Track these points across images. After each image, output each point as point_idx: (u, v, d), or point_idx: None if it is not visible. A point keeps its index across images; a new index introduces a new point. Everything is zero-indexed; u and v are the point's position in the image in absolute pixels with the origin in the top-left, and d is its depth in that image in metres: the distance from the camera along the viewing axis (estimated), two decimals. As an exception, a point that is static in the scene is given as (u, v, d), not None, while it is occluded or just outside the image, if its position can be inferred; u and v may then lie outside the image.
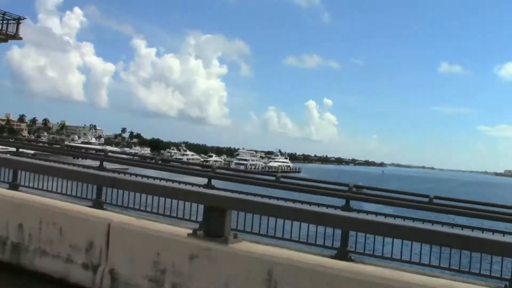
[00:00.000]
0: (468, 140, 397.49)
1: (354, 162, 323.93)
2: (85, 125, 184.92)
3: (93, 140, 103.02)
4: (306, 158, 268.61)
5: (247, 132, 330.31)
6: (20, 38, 27.45)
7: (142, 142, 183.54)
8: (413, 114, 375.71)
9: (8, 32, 26.25)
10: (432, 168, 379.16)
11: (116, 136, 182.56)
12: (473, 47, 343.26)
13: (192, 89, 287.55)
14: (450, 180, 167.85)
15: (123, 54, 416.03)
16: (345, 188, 10.27)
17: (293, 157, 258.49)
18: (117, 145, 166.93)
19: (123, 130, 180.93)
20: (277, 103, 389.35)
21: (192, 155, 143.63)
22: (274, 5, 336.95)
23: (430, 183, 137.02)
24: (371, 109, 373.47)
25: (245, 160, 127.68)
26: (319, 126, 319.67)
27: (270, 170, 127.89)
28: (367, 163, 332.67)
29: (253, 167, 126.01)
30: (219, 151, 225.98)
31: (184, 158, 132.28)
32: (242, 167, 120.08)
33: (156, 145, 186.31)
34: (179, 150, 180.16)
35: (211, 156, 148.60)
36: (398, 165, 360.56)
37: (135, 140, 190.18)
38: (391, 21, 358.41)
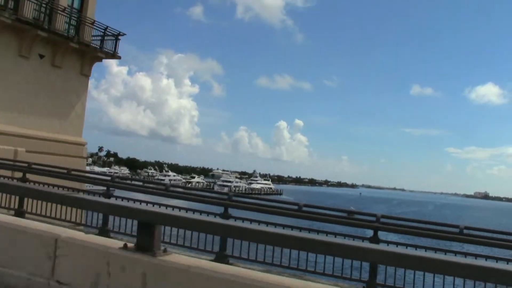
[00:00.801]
0: (437, 161, 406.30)
1: (327, 183, 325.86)
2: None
3: None
4: (280, 179, 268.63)
5: (218, 151, 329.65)
6: (119, 57, 24.63)
7: (119, 161, 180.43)
8: (383, 135, 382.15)
9: (106, 50, 23.86)
10: (403, 190, 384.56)
11: (91, 154, 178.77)
12: (445, 70, 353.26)
13: (163, 108, 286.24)
14: (427, 203, 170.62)
15: (94, 71, 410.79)
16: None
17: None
18: (93, 164, 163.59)
19: (100, 149, 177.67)
20: (248, 123, 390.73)
21: (174, 175, 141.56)
22: (248, 26, 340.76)
23: (411, 206, 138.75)
24: (341, 130, 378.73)
25: (229, 182, 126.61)
26: (290, 147, 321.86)
27: (253, 192, 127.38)
28: (339, 184, 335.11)
29: (236, 189, 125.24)
30: (192, 170, 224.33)
31: (166, 179, 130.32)
32: (226, 189, 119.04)
33: (132, 164, 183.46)
34: (155, 169, 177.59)
35: (194, 177, 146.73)
36: (369, 187, 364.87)
37: (111, 159, 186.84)
38: (364, 43, 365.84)
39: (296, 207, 10.20)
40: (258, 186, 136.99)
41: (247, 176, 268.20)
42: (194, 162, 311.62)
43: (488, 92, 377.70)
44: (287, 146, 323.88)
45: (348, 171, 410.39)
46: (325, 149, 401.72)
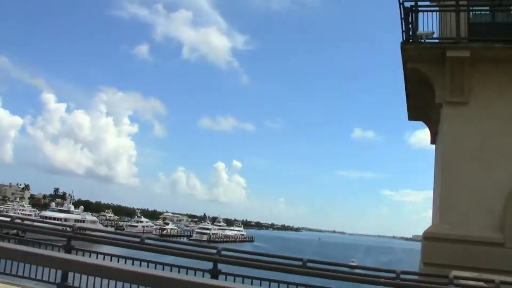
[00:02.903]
0: (373, 204, 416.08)
1: (272, 226, 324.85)
2: (10, 183, 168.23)
3: (72, 208, 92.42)
4: (228, 222, 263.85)
5: (156, 192, 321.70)
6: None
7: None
8: (318, 178, 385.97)
9: None
10: (343, 233, 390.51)
11: (44, 196, 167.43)
12: (387, 114, 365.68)
13: (101, 146, 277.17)
14: (392, 249, 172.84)
15: (31, 108, 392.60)
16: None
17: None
18: (45, 206, 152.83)
19: (56, 190, 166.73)
20: (187, 163, 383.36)
21: (147, 221, 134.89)
22: (195, 67, 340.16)
23: (385, 253, 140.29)
24: (280, 173, 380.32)
25: (208, 229, 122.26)
26: (228, 188, 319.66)
27: (227, 239, 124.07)
28: (284, 227, 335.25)
29: (213, 236, 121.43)
30: (134, 212, 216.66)
31: (139, 226, 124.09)
32: (205, 237, 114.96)
33: (86, 207, 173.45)
34: (107, 212, 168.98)
35: (167, 224, 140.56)
36: (310, 230, 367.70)
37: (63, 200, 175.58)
38: (308, 87, 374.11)
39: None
40: (232, 233, 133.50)
41: (196, 219, 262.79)
42: (131, 202, 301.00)
43: (427, 136, 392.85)
44: (225, 188, 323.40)
45: (285, 213, 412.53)
46: (263, 191, 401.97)
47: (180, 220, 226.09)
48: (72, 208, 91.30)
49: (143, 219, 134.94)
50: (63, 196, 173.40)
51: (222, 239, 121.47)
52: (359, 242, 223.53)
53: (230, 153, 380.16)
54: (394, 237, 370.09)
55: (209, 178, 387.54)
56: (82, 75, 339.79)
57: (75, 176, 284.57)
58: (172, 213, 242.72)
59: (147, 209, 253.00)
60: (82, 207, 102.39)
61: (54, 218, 78.97)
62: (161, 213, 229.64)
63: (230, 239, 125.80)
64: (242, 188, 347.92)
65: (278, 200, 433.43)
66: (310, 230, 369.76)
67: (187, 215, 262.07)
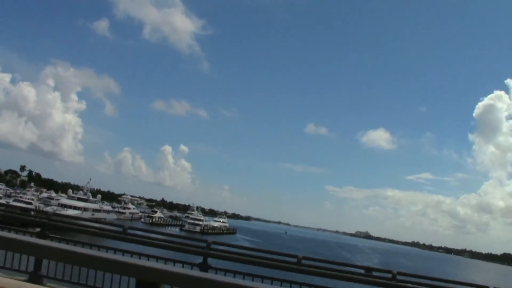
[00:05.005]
0: (317, 198, 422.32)
1: (225, 214, 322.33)
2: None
3: (91, 196, 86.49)
4: (186, 208, 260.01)
5: (100, 171, 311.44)
6: None
7: (39, 182, 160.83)
8: (266, 169, 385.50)
9: None
10: (288, 224, 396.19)
11: (6, 172, 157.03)
12: (342, 112, 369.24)
13: (47, 121, 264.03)
14: (351, 245, 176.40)
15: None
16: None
17: (170, 207, 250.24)
18: (7, 184, 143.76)
19: (22, 168, 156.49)
20: (134, 145, 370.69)
21: (134, 208, 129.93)
22: (155, 48, 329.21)
23: (360, 252, 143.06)
24: (226, 161, 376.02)
25: (200, 220, 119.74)
26: (173, 172, 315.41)
27: (215, 231, 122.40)
28: (234, 215, 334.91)
29: (205, 227, 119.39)
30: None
31: (127, 213, 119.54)
32: (198, 228, 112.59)
33: (50, 186, 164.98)
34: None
35: (155, 212, 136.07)
36: (257, 219, 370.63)
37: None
38: (266, 77, 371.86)
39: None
40: (217, 224, 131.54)
41: (154, 203, 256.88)
42: (75, 180, 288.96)
43: (379, 137, 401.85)
44: (170, 171, 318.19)
45: (230, 201, 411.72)
46: (208, 177, 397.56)
47: (140, 204, 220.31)
48: (90, 196, 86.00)
49: (130, 205, 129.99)
50: (30, 174, 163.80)
51: (211, 231, 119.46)
52: (319, 237, 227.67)
53: (179, 138, 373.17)
54: (337, 231, 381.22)
55: (155, 161, 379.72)
56: (32, 46, 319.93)
57: (18, 151, 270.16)
58: (131, 196, 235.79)
59: (100, 189, 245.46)
60: (99, 196, 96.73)
61: (74, 207, 74.41)
62: (119, 195, 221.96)
63: (217, 231, 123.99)
64: (188, 173, 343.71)
65: (222, 187, 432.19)
66: (257, 220, 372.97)
67: (144, 199, 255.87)
